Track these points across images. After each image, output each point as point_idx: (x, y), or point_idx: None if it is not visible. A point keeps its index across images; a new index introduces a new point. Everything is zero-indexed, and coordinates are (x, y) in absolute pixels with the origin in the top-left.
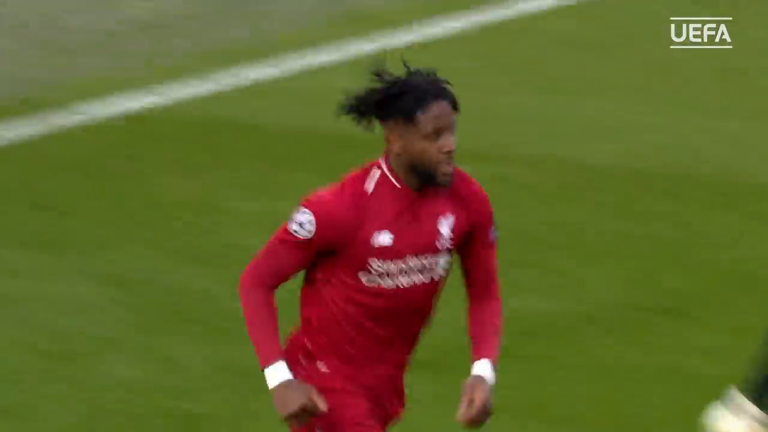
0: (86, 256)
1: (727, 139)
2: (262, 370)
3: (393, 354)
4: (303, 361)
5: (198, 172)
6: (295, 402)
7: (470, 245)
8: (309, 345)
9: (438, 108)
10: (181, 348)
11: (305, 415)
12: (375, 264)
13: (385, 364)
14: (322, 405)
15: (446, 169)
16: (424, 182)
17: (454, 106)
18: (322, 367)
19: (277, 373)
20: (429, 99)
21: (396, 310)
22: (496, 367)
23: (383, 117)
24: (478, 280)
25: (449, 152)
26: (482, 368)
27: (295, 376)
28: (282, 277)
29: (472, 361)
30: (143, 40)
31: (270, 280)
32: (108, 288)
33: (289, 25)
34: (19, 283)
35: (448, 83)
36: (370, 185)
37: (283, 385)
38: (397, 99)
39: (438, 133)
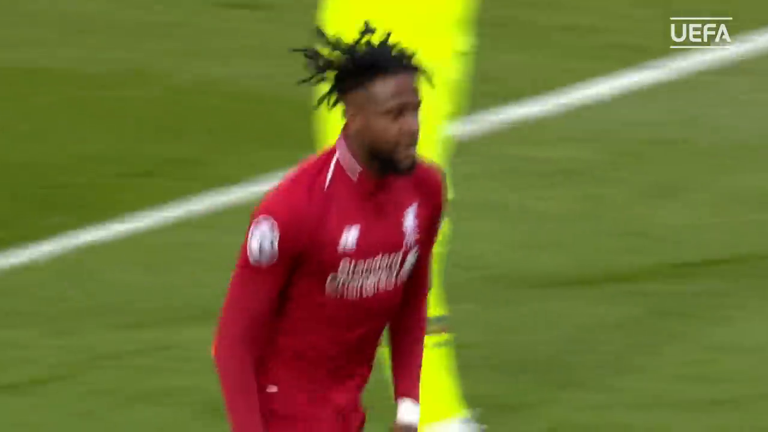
0: None
1: None
2: None
3: (359, 367)
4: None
5: None
6: None
7: (427, 236)
8: (267, 366)
9: (402, 80)
10: None
11: None
12: (342, 267)
13: (353, 378)
14: None
15: (409, 152)
16: (384, 167)
17: (418, 82)
18: (276, 389)
19: None
20: (392, 70)
21: (363, 318)
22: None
23: (341, 88)
24: (416, 277)
25: (412, 133)
26: (408, 412)
27: None
28: (262, 322)
29: (397, 395)
30: None
31: (249, 334)
32: None
33: None
34: None
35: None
36: (326, 175)
37: None
38: (357, 68)
39: (401, 110)
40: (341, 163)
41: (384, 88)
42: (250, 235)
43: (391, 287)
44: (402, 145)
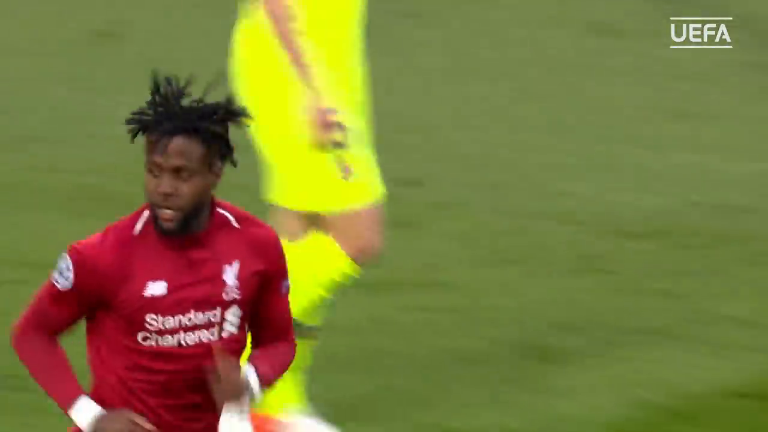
0: None
1: None
2: (67, 414)
3: (201, 426)
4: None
5: None
6: (121, 426)
7: (263, 295)
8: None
9: (165, 141)
10: None
11: None
12: (150, 319)
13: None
14: (147, 425)
15: (164, 214)
16: (154, 224)
17: (205, 138)
18: None
19: (85, 411)
20: (158, 126)
21: (188, 375)
22: (262, 388)
23: (140, 133)
24: (275, 327)
25: (161, 195)
26: (250, 374)
27: None
28: (54, 331)
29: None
30: None
31: (43, 330)
32: None
33: None
34: None
35: (215, 116)
36: (138, 227)
37: (98, 420)
38: (137, 119)
39: (157, 168)
40: (153, 216)
41: (149, 143)
42: (59, 259)
43: (216, 340)
44: (158, 206)
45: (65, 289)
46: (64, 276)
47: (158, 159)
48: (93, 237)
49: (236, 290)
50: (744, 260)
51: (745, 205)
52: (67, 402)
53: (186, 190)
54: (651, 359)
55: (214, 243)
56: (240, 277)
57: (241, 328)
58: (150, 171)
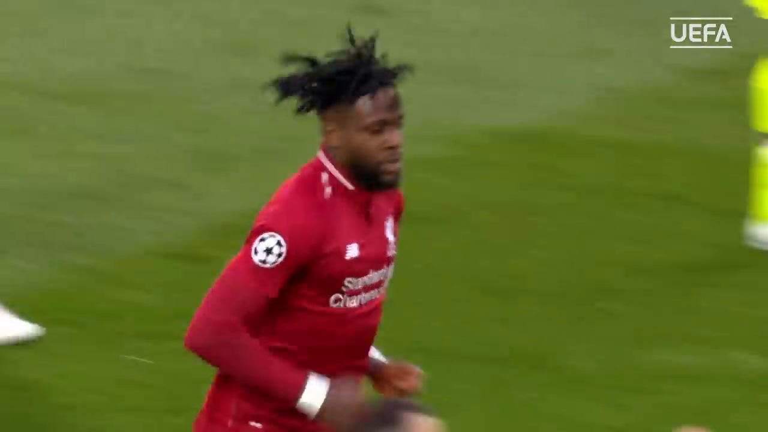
0: None
1: None
2: (297, 403)
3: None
4: (234, 425)
5: None
6: (350, 402)
7: None
8: (246, 403)
9: (384, 96)
10: None
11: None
12: (347, 281)
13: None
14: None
15: (390, 168)
16: (367, 182)
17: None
18: (260, 426)
19: (317, 390)
20: (374, 84)
21: (358, 335)
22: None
23: (322, 102)
24: None
25: (393, 148)
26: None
27: None
28: (252, 318)
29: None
30: None
31: (238, 322)
32: None
33: None
34: None
35: (402, 70)
36: (325, 189)
37: (330, 395)
38: (336, 81)
39: (382, 125)
40: (334, 175)
41: (365, 103)
42: (253, 248)
43: (378, 301)
44: (385, 162)
45: (275, 266)
46: (274, 253)
47: (384, 114)
48: (284, 205)
49: (393, 246)
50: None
51: (165, 67)
52: (296, 389)
53: (402, 139)
54: (81, 224)
55: (378, 200)
56: (394, 232)
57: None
58: (366, 130)
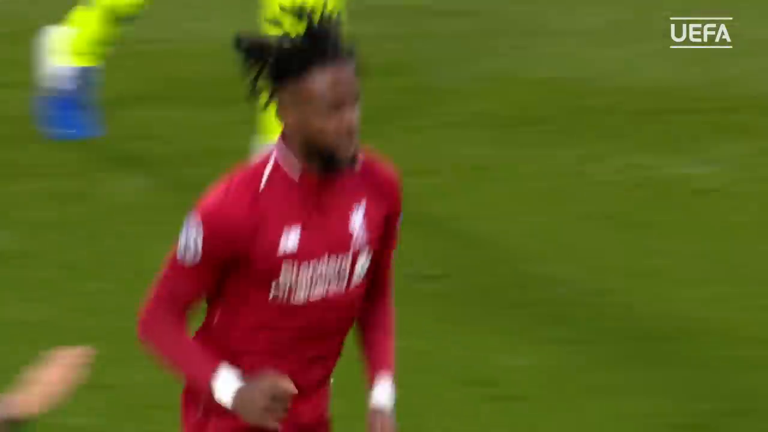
0: None
1: None
2: (210, 390)
3: (319, 374)
4: (202, 416)
5: None
6: (263, 395)
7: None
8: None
9: (338, 73)
10: None
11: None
12: (284, 271)
13: (314, 388)
14: (289, 386)
15: (348, 150)
16: (324, 166)
17: (359, 72)
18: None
19: (228, 381)
20: (326, 61)
21: (315, 325)
22: (394, 377)
23: (274, 81)
24: (376, 277)
25: (351, 128)
26: (381, 394)
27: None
28: (185, 307)
29: (370, 378)
30: None
31: (173, 312)
32: None
33: None
34: None
35: (355, 42)
36: (263, 176)
37: (241, 390)
38: (287, 59)
39: (338, 105)
40: (280, 162)
41: (320, 80)
42: (182, 231)
43: (342, 292)
44: (343, 144)
45: (194, 263)
46: (191, 249)
47: (341, 92)
48: (214, 194)
49: (364, 236)
50: None
51: None
52: (208, 376)
53: (358, 119)
54: None
55: (342, 184)
56: (368, 221)
57: (365, 277)
58: (321, 110)
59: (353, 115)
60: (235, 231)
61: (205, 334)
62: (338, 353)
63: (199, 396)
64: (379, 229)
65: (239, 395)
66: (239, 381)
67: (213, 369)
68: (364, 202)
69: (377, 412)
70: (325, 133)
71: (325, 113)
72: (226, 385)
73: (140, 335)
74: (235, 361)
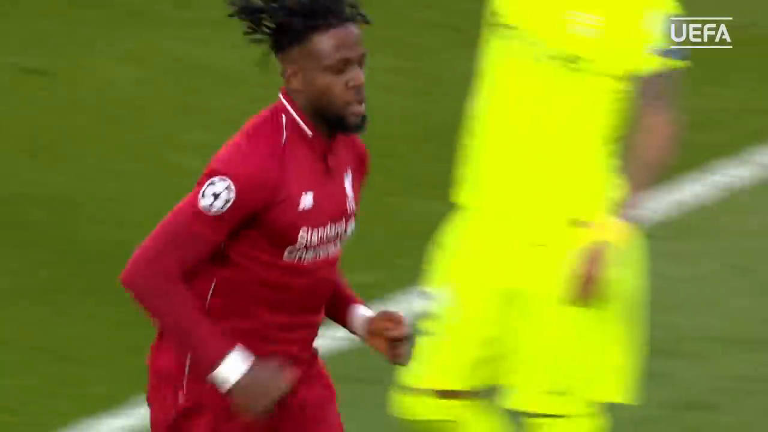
0: None
1: None
2: (210, 366)
3: (306, 334)
4: (186, 386)
5: None
6: (274, 389)
7: None
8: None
9: (344, 32)
10: None
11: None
12: (302, 232)
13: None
14: (292, 374)
15: (357, 109)
16: (332, 126)
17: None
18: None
19: (236, 367)
20: (331, 20)
21: (311, 291)
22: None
23: (277, 42)
24: None
25: (358, 87)
26: (365, 310)
27: (165, 411)
28: (189, 267)
29: (346, 310)
30: None
31: (178, 271)
32: None
33: None
34: None
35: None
36: (282, 134)
37: (248, 377)
38: (291, 19)
39: (344, 64)
40: (296, 120)
41: (325, 41)
42: (201, 192)
43: (332, 259)
44: (352, 103)
45: (222, 212)
46: (222, 198)
47: (346, 52)
48: (235, 147)
49: (353, 200)
50: None
51: None
52: (215, 358)
53: (364, 78)
54: None
55: (337, 149)
56: (354, 187)
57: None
58: (328, 69)
59: (360, 75)
60: (266, 183)
61: (197, 293)
62: (321, 316)
63: (181, 377)
64: (360, 197)
65: (245, 384)
66: (248, 365)
67: (224, 346)
68: (349, 169)
69: (376, 315)
70: (332, 94)
71: (330, 74)
72: (233, 366)
73: (132, 280)
74: (230, 320)
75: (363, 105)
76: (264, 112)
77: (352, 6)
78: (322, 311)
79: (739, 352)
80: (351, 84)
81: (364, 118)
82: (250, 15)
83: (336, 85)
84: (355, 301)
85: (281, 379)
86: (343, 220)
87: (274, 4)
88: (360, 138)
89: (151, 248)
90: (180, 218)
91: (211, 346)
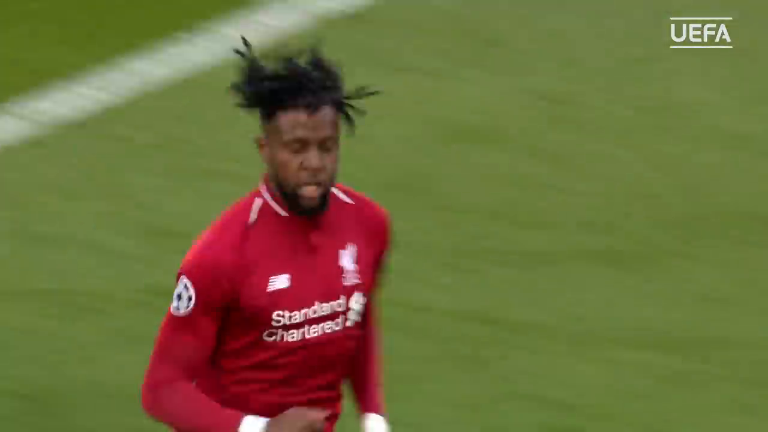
0: None
1: None
2: None
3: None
4: None
5: None
6: (301, 422)
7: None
8: None
9: (307, 113)
10: None
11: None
12: (276, 316)
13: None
14: (323, 414)
15: (308, 191)
16: (289, 204)
17: (339, 108)
18: None
19: (254, 424)
20: (296, 97)
21: (312, 368)
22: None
23: (260, 115)
24: (369, 309)
25: (312, 170)
26: (375, 424)
27: None
28: (192, 366)
29: (360, 412)
30: None
31: (177, 375)
32: None
33: None
34: None
35: (341, 78)
36: (252, 217)
37: (270, 425)
38: (261, 93)
39: (300, 144)
40: (267, 201)
41: (284, 119)
42: (173, 297)
43: (340, 332)
44: (302, 184)
45: (189, 312)
46: (184, 298)
47: (304, 133)
48: (200, 242)
49: (357, 275)
50: None
51: None
52: (234, 422)
53: (330, 162)
54: None
55: (330, 224)
56: (360, 261)
57: (363, 314)
58: (286, 147)
59: (315, 158)
60: (222, 274)
61: (204, 382)
62: (338, 392)
63: None
64: (373, 269)
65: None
66: (266, 420)
67: (235, 414)
68: (356, 244)
69: None
70: (287, 173)
71: (288, 152)
72: (253, 423)
73: (145, 404)
74: (235, 402)
75: (318, 188)
76: (243, 196)
77: (328, 88)
78: (338, 387)
79: None
80: (304, 165)
81: (322, 199)
82: (234, 89)
83: (291, 164)
84: (371, 409)
85: (306, 414)
86: (341, 297)
87: (253, 79)
88: (377, 205)
89: (150, 365)
90: (163, 326)
91: (222, 420)
